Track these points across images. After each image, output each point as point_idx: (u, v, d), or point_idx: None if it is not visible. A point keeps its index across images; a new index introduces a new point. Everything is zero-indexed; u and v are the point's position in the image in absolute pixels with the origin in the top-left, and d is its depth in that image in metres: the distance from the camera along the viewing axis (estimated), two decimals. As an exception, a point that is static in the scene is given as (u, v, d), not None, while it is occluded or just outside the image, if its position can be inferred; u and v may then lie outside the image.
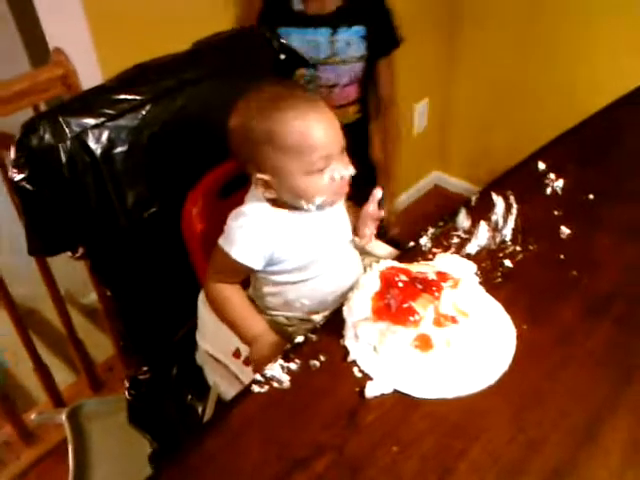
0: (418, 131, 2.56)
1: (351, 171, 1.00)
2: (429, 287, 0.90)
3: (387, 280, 0.91)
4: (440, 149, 2.71)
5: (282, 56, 1.34)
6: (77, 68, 1.47)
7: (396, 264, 0.95)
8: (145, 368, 1.34)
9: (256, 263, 1.02)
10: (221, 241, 1.04)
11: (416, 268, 0.94)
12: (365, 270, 0.98)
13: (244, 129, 0.97)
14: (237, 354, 1.12)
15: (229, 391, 1.19)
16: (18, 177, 1.03)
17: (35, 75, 1.52)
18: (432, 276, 0.91)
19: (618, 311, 0.92)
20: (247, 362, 1.11)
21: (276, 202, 1.04)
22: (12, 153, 1.03)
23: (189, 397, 1.28)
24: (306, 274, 1.09)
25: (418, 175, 2.71)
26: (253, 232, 1.02)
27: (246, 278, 1.10)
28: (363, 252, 1.25)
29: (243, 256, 1.01)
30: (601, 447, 0.76)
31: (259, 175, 0.99)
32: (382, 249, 1.25)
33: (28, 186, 1.04)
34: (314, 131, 0.94)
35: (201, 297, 1.20)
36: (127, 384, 1.37)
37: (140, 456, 1.44)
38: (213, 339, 1.18)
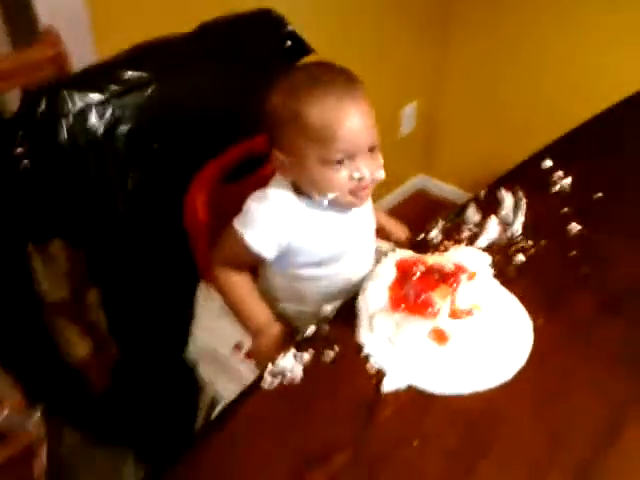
0: (405, 133, 2.56)
1: (378, 175, 0.94)
2: (447, 278, 0.87)
3: (404, 270, 0.88)
4: (426, 152, 2.70)
5: (288, 42, 1.31)
6: (71, 50, 1.41)
7: (412, 254, 0.93)
8: (133, 363, 1.29)
9: (269, 252, 0.97)
10: (237, 222, 0.97)
11: (432, 259, 0.91)
12: (380, 259, 0.96)
13: (273, 105, 0.93)
14: (239, 347, 1.09)
15: (227, 387, 1.15)
16: (16, 151, 0.98)
17: (23, 55, 1.46)
18: (449, 267, 0.89)
19: (631, 308, 0.92)
20: (248, 355, 1.07)
21: (300, 191, 0.98)
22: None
23: (181, 395, 1.23)
24: (323, 270, 1.04)
25: (403, 178, 2.70)
26: (273, 218, 0.96)
27: (254, 267, 1.06)
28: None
29: (258, 242, 0.96)
30: (625, 441, 0.74)
31: (276, 153, 0.95)
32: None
33: (25, 161, 0.99)
34: (341, 120, 0.89)
35: (201, 287, 1.16)
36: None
37: (121, 460, 1.39)
38: (212, 332, 1.14)
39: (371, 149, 0.93)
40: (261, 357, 1.02)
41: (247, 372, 1.09)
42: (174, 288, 1.24)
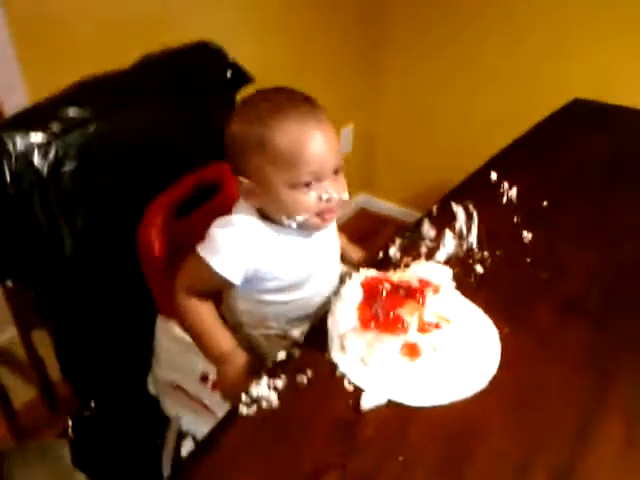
0: (344, 154, 2.59)
1: (344, 196, 0.95)
2: (413, 294, 0.89)
3: (370, 289, 0.89)
4: (366, 172, 2.75)
5: (229, 73, 1.31)
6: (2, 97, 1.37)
7: (375, 273, 0.94)
8: (92, 405, 1.23)
9: (235, 277, 0.95)
10: (201, 249, 0.95)
11: (397, 276, 0.92)
12: (343, 280, 0.96)
13: (236, 132, 0.92)
14: (204, 378, 1.06)
15: (193, 421, 1.12)
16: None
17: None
18: (415, 283, 0.90)
19: (591, 310, 0.95)
20: (215, 386, 1.05)
21: (265, 216, 0.97)
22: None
23: (145, 432, 1.19)
24: (289, 295, 1.03)
25: (345, 198, 2.74)
26: (238, 244, 0.94)
27: (217, 294, 1.04)
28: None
29: (224, 268, 0.93)
30: (598, 444, 0.76)
31: (242, 179, 0.93)
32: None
33: (-33, 207, 0.94)
34: (308, 142, 0.89)
35: (159, 323, 1.13)
36: (70, 423, 1.26)
37: None
38: (175, 366, 1.11)
39: (336, 171, 0.94)
40: (226, 387, 0.99)
41: (214, 404, 1.07)
42: (131, 324, 1.20)
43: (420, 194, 2.63)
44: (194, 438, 1.11)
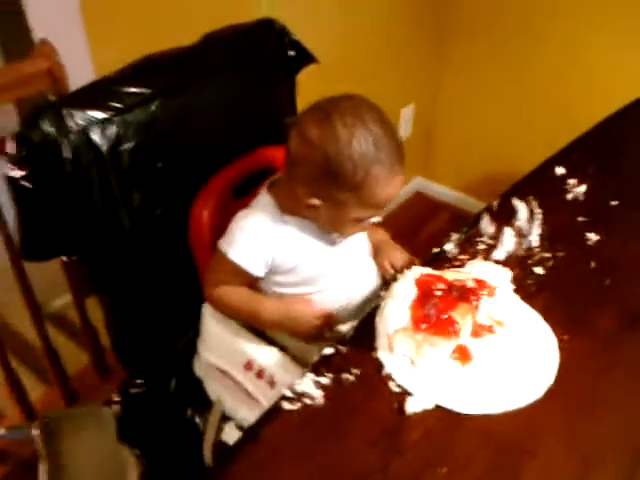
0: (402, 136, 2.54)
1: (376, 220, 0.99)
2: (467, 296, 0.85)
3: (425, 288, 0.86)
4: (424, 155, 2.68)
5: (291, 52, 1.28)
6: (67, 63, 1.38)
7: (430, 271, 0.90)
8: (139, 381, 1.25)
9: (255, 267, 0.98)
10: (221, 243, 1.00)
11: (451, 275, 0.89)
12: (387, 279, 0.95)
13: (334, 160, 0.89)
14: (249, 366, 1.05)
15: (236, 407, 1.12)
16: (17, 174, 0.94)
17: (17, 68, 1.42)
18: (470, 284, 0.87)
19: (656, 322, 0.90)
20: (260, 375, 1.04)
21: (283, 205, 0.99)
22: (10, 148, 0.94)
23: (189, 412, 1.20)
24: (314, 287, 1.04)
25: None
26: (255, 235, 0.98)
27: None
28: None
29: (242, 258, 0.97)
30: (661, 465, 0.72)
31: (314, 201, 0.94)
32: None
33: (28, 184, 0.95)
34: (391, 196, 0.93)
35: (206, 306, 1.12)
36: (117, 397, 1.28)
37: (121, 473, 1.35)
38: (220, 350, 1.11)
39: None
40: (305, 336, 1.01)
41: (257, 393, 1.06)
42: (179, 304, 1.21)
43: (478, 182, 2.56)
44: (236, 423, 1.12)
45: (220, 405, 1.15)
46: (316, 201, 0.94)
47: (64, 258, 1.11)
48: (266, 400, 1.01)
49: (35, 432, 1.60)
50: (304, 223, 1.00)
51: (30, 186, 0.96)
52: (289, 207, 1.00)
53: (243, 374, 1.06)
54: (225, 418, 1.14)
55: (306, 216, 0.99)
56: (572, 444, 0.75)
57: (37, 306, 1.62)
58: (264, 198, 1.02)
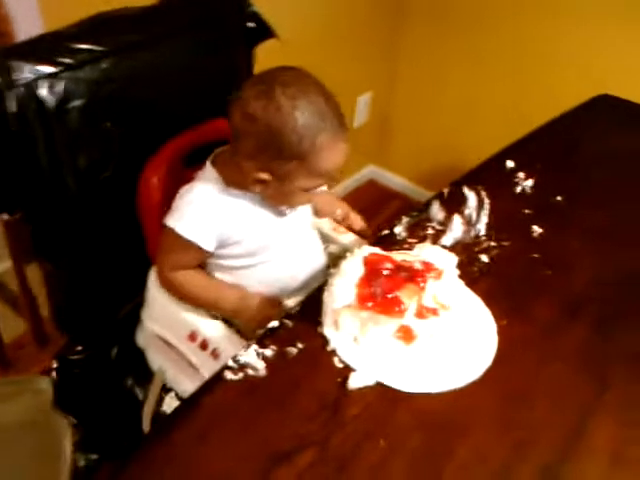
0: (358, 124, 2.54)
1: (325, 187, 1.03)
2: (414, 277, 0.86)
3: (372, 267, 0.87)
4: (379, 144, 2.70)
5: (250, 24, 1.26)
6: (15, 17, 1.32)
7: (378, 251, 0.91)
8: (79, 347, 1.22)
9: (205, 241, 0.97)
10: (168, 219, 0.98)
11: (400, 256, 0.90)
12: (337, 258, 0.96)
13: (278, 132, 0.89)
14: (193, 337, 1.04)
15: (177, 377, 1.11)
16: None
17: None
18: (418, 265, 0.88)
19: (592, 312, 0.93)
20: (204, 346, 1.03)
21: (228, 179, 0.99)
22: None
23: (129, 382, 1.18)
24: (258, 258, 1.05)
25: (354, 168, 2.70)
26: (202, 208, 0.97)
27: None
28: (326, 240, 1.21)
29: (191, 232, 0.96)
30: (589, 446, 0.75)
31: (261, 175, 0.94)
32: (347, 237, 1.21)
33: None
34: (337, 163, 0.94)
35: (152, 273, 1.10)
36: (55, 364, 1.25)
37: (51, 444, 1.32)
38: (164, 320, 1.10)
39: None
40: (255, 324, 1.01)
41: (200, 364, 1.06)
42: (125, 272, 1.18)
43: (430, 172, 2.59)
44: (177, 394, 1.10)
45: (161, 375, 1.14)
46: (264, 175, 0.94)
47: (5, 216, 1.06)
48: (208, 372, 1.00)
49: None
50: (249, 196, 1.00)
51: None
52: (235, 181, 0.99)
53: (186, 345, 1.05)
54: (166, 389, 1.13)
55: (253, 190, 0.98)
56: (505, 426, 0.77)
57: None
58: (209, 172, 1.01)
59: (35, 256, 1.17)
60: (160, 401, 1.14)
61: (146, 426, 1.12)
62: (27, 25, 1.32)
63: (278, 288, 1.07)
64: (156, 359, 1.15)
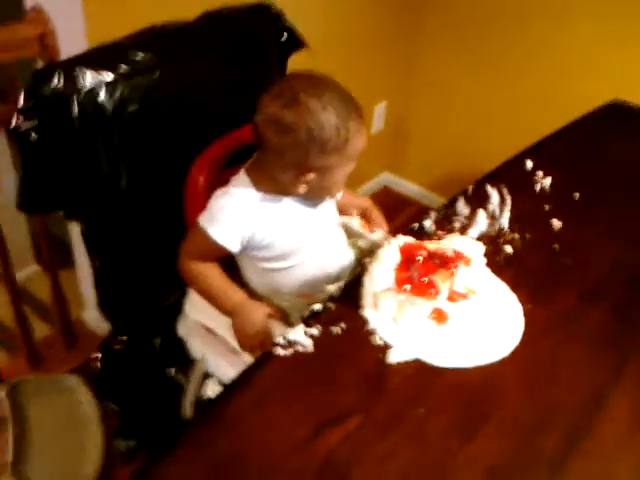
0: (374, 132, 2.63)
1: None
2: (447, 263, 0.94)
3: (408, 254, 0.94)
4: (394, 151, 2.77)
5: (284, 37, 1.35)
6: (60, 31, 1.40)
7: (413, 240, 0.99)
8: (123, 338, 1.30)
9: (233, 245, 1.04)
10: (201, 219, 1.04)
11: (432, 245, 0.98)
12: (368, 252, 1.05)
13: (318, 132, 0.96)
14: (235, 325, 1.12)
15: (219, 363, 1.18)
16: (25, 125, 0.99)
17: (9, 31, 1.43)
18: (450, 253, 0.95)
19: (610, 297, 1.01)
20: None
21: (263, 188, 1.05)
22: (21, 100, 0.98)
23: (171, 370, 1.25)
24: (292, 261, 1.11)
25: (369, 175, 2.78)
26: (235, 213, 1.03)
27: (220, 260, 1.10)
28: (355, 236, 1.28)
29: (222, 237, 1.02)
30: (609, 415, 0.82)
31: (308, 177, 1.01)
32: (375, 234, 1.28)
33: (34, 135, 0.99)
34: (365, 141, 1.03)
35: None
36: (99, 353, 1.32)
37: (86, 438, 1.39)
38: (208, 309, 1.17)
39: None
40: (242, 337, 1.08)
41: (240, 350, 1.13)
42: (169, 264, 1.26)
43: (444, 179, 2.65)
44: (219, 381, 1.18)
45: (203, 363, 1.21)
46: (310, 176, 1.01)
47: (61, 214, 1.14)
48: (251, 357, 1.07)
49: (2, 395, 1.61)
50: (281, 200, 1.06)
51: (35, 138, 1.00)
52: (268, 189, 1.05)
53: (230, 331, 1.13)
54: (207, 376, 1.20)
55: (296, 192, 1.04)
56: (533, 395, 0.84)
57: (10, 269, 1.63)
58: (243, 179, 1.07)
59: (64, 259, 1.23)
60: (201, 386, 1.21)
61: (187, 411, 1.19)
62: (72, 39, 1.41)
63: (312, 286, 1.13)
64: (198, 347, 1.22)
